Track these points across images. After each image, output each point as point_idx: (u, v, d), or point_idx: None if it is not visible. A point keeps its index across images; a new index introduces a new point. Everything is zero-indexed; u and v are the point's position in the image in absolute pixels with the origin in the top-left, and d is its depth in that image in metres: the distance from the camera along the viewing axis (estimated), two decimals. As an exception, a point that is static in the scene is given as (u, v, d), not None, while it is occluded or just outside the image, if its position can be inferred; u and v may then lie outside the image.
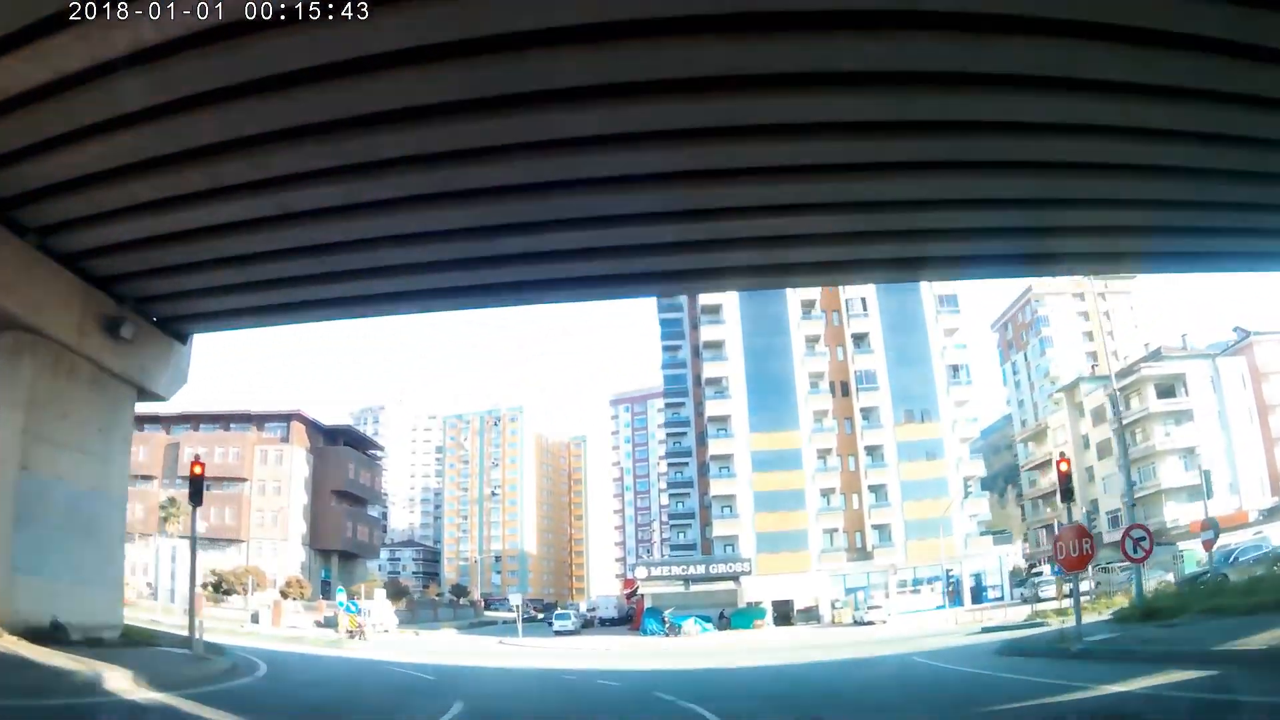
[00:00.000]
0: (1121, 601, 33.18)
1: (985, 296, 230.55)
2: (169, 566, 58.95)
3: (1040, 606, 42.38)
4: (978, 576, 74.92)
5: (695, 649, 45.31)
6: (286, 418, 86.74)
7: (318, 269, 21.12)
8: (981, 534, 77.38)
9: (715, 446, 78.11)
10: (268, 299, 23.48)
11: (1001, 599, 72.08)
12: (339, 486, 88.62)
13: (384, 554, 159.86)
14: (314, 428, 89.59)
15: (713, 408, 79.19)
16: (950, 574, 58.22)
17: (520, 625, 63.14)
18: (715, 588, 70.66)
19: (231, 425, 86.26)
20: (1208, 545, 29.59)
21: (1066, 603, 34.92)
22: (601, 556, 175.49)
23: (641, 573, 74.26)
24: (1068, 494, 25.97)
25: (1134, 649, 18.19)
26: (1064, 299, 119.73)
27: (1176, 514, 74.49)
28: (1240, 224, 20.52)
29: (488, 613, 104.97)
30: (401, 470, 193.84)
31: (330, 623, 57.92)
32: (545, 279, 22.49)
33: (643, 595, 73.39)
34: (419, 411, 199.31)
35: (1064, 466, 26.51)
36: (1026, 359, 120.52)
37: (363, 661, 34.52)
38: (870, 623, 57.89)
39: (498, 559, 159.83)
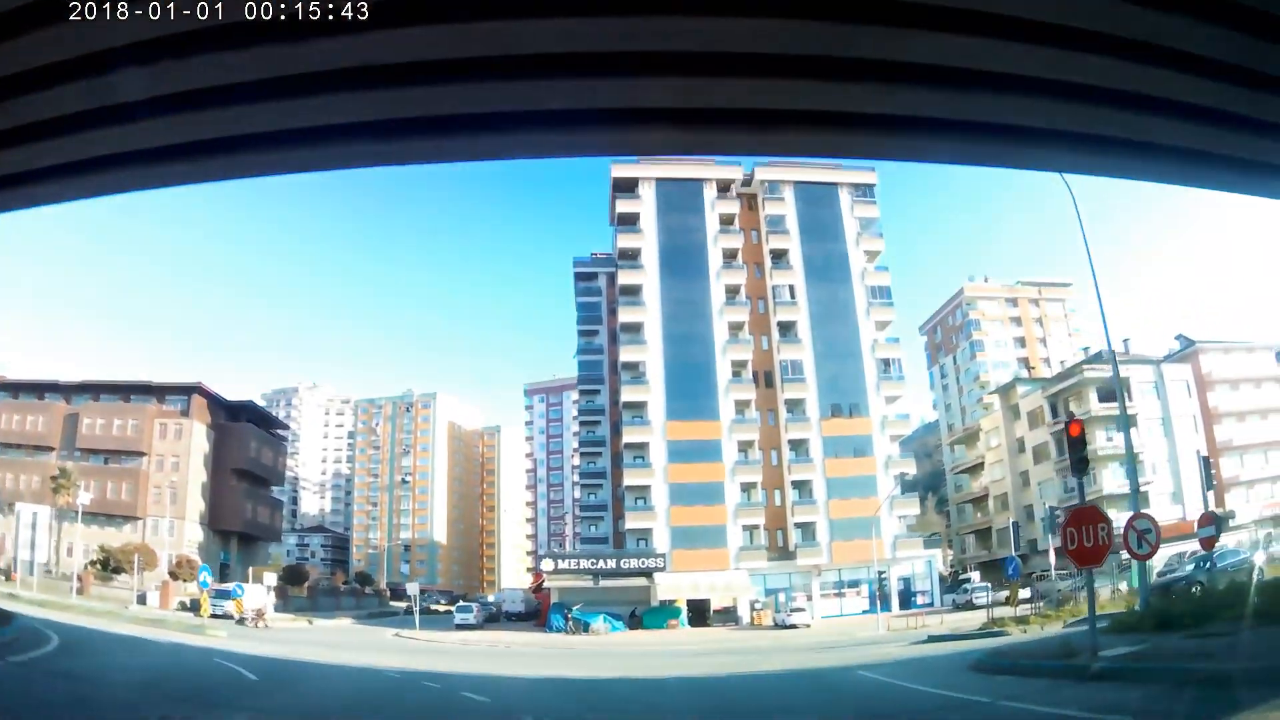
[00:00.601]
0: (1073, 613, 31.02)
1: (914, 298, 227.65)
2: (28, 536, 50.70)
3: (989, 614, 37.06)
4: (906, 581, 70.73)
5: (601, 649, 42.75)
6: (188, 390, 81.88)
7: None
8: (910, 535, 72.81)
9: (630, 434, 72.57)
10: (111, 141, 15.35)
11: (931, 604, 68.21)
12: (240, 465, 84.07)
13: (293, 539, 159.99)
14: (216, 402, 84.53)
15: (629, 393, 73.67)
16: (882, 576, 53.69)
17: (417, 617, 60.32)
18: (627, 584, 65.52)
19: (132, 397, 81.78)
20: (1208, 543, 24.63)
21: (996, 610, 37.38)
22: (513, 549, 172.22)
23: (548, 565, 68.22)
24: (1081, 464, 20.60)
25: (1183, 667, 12.92)
26: (996, 303, 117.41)
27: (1118, 521, 70.49)
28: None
29: (394, 603, 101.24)
30: (314, 455, 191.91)
31: (195, 606, 55.52)
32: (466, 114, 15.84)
33: (549, 590, 68.66)
34: (333, 395, 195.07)
35: (1076, 430, 20.98)
36: (956, 362, 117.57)
37: (194, 650, 30.82)
38: (793, 625, 55.09)
39: (407, 548, 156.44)
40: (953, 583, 77.93)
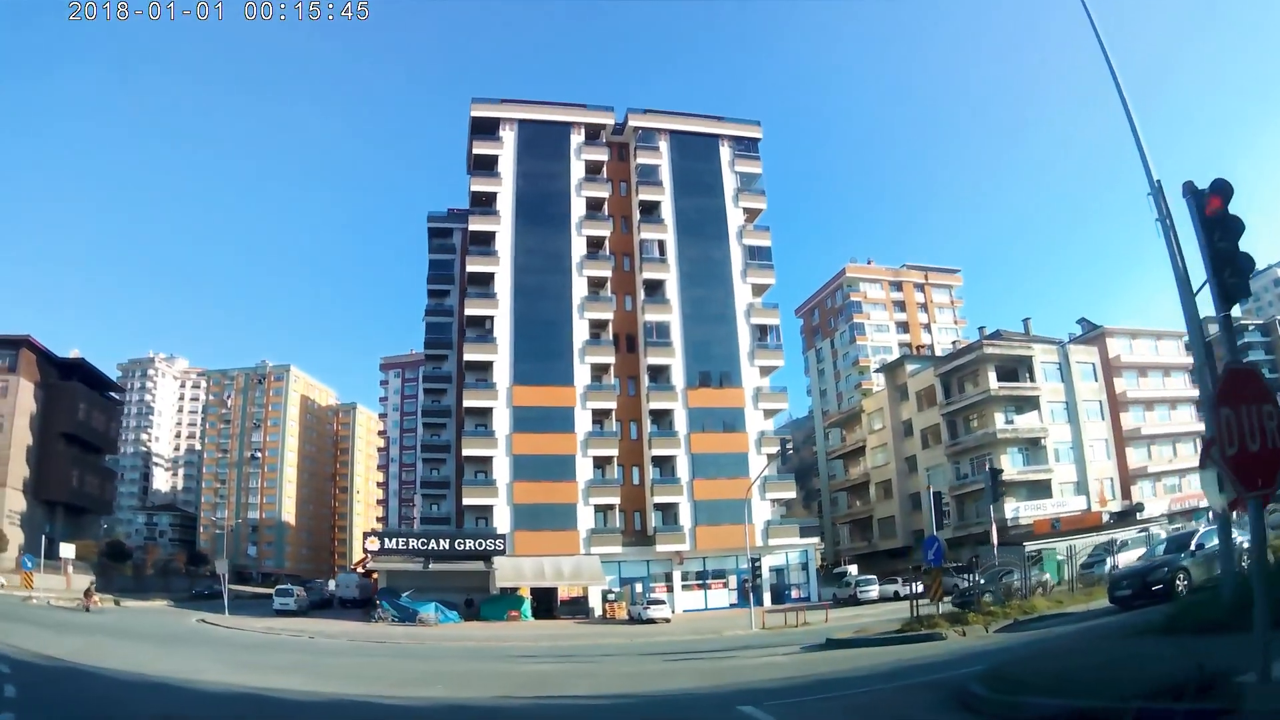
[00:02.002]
0: (1023, 610, 25.00)
1: (791, 279, 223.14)
2: None
3: (914, 609, 28.61)
4: (778, 572, 63.54)
5: (418, 644, 36.12)
6: (15, 344, 71.72)
7: None
8: (785, 522, 65.67)
9: (471, 398, 63.36)
10: None
11: (807, 599, 61.55)
12: (69, 429, 75.13)
13: (141, 518, 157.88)
14: (46, 359, 74.80)
15: (472, 352, 64.37)
16: (755, 565, 45.96)
17: (226, 601, 55.33)
18: (462, 567, 57.07)
19: None
20: (1238, 505, 16.94)
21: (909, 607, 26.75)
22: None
23: (373, 545, 58.57)
24: (1239, 267, 10.68)
25: None
26: (879, 286, 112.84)
27: (1017, 510, 65.39)
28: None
29: (235, 587, 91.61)
30: (168, 430, 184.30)
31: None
32: None
33: (374, 574, 61.21)
34: (190, 369, 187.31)
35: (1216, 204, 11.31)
36: (834, 346, 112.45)
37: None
38: (651, 620, 49.37)
39: (255, 529, 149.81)
40: (827, 576, 71.50)
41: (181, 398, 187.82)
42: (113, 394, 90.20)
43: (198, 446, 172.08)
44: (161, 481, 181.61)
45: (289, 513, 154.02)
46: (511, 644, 35.99)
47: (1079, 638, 18.09)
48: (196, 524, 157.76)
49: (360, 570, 79.48)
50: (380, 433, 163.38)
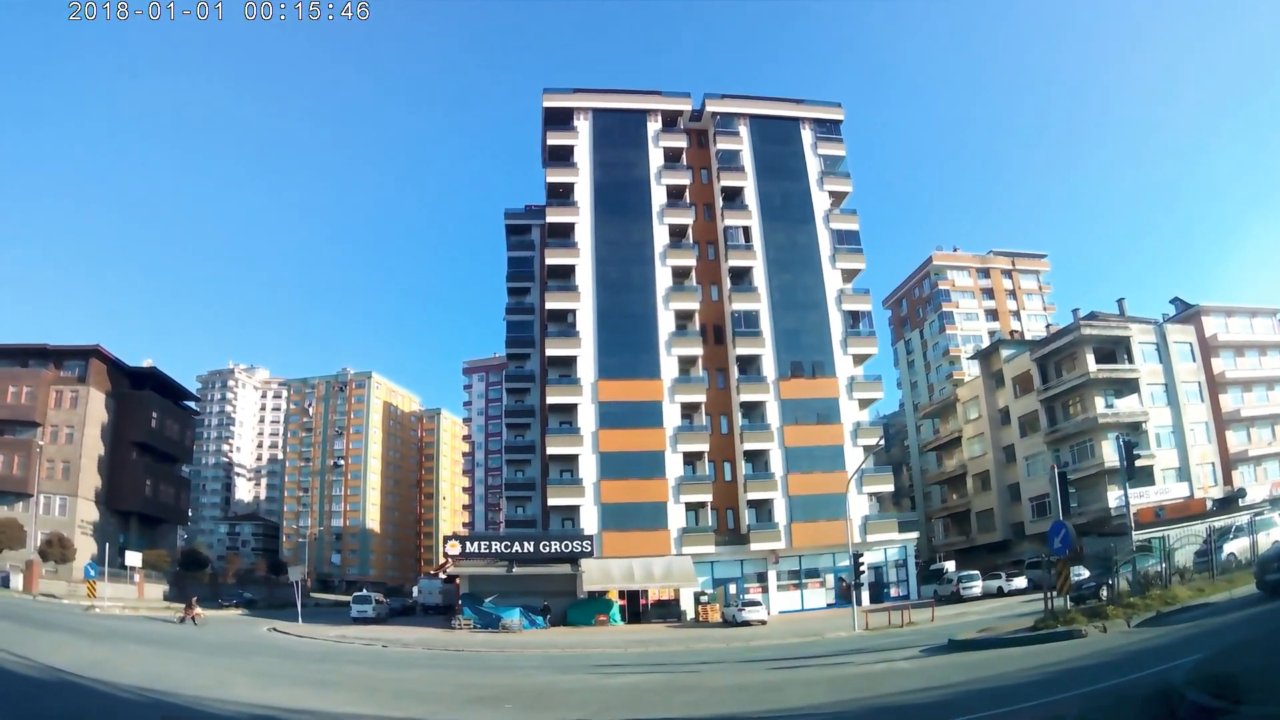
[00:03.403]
0: (1164, 600, 22.14)
1: (874, 270, 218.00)
2: None
3: (1048, 604, 25.57)
4: (876, 569, 60.30)
5: (499, 652, 34.20)
6: (85, 354, 72.49)
7: None
8: (883, 517, 62.52)
9: (555, 394, 61.48)
10: None
11: (906, 597, 58.33)
12: (141, 438, 75.38)
13: (224, 528, 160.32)
14: (117, 368, 75.42)
15: (554, 347, 62.43)
16: (859, 561, 42.93)
17: (299, 610, 54.17)
18: (549, 571, 55.11)
19: (29, 362, 72.55)
20: None
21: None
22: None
23: (454, 549, 56.68)
24: None
25: None
26: (967, 274, 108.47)
27: (1120, 499, 61.13)
28: None
29: (320, 595, 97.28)
30: (249, 440, 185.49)
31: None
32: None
33: (457, 579, 59.33)
34: (271, 378, 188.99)
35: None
36: (922, 337, 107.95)
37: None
38: (747, 622, 46.61)
39: (339, 537, 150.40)
40: (923, 573, 68.06)
41: (263, 408, 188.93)
42: (188, 403, 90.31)
43: (280, 456, 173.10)
44: (244, 492, 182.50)
45: (373, 520, 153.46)
46: (598, 651, 33.86)
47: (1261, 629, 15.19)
48: (279, 533, 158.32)
49: (443, 576, 78.16)
50: (465, 437, 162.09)
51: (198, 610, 46.60)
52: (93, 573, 53.18)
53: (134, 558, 59.17)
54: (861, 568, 43.34)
